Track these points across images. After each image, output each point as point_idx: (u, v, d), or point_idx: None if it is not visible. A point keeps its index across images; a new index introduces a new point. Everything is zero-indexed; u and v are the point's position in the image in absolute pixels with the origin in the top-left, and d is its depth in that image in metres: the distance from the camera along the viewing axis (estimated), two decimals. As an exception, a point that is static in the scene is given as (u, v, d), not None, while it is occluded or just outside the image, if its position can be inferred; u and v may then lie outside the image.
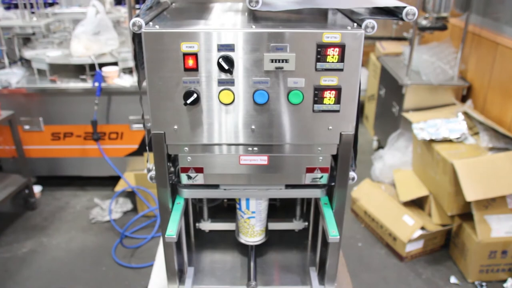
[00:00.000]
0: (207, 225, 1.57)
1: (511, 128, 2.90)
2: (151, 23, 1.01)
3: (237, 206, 1.37)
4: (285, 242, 1.55)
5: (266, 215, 1.42)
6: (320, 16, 1.16)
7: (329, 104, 1.04)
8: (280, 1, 1.04)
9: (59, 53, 3.42)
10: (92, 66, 3.30)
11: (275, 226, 1.55)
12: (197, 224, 1.56)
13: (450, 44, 3.52)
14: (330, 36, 0.98)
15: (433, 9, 3.31)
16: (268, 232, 1.47)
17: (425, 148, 2.97)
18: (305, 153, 1.13)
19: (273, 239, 1.52)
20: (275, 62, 1.00)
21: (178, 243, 1.31)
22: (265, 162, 1.14)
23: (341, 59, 1.00)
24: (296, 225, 1.57)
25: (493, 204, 2.56)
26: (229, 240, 1.55)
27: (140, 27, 0.97)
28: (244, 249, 1.49)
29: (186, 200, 1.27)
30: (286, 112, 1.06)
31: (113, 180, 3.47)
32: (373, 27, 0.98)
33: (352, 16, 1.10)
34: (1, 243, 3.02)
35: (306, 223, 1.56)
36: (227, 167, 1.15)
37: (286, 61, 1.00)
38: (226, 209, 1.64)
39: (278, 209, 1.64)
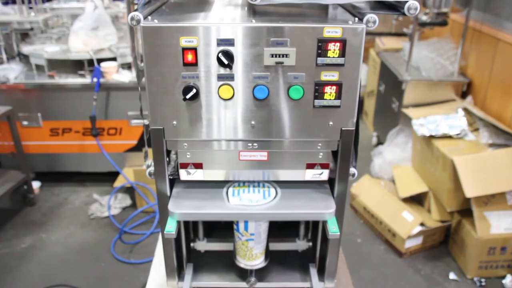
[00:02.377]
0: (202, 245, 1.45)
1: (511, 125, 2.89)
2: (149, 17, 1.00)
3: (235, 227, 1.27)
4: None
5: (266, 237, 1.31)
6: (320, 11, 1.15)
7: (330, 99, 1.03)
8: None
9: (57, 48, 3.40)
10: (90, 62, 3.29)
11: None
12: (192, 244, 1.45)
13: (450, 40, 3.50)
14: (331, 30, 0.97)
15: (434, 5, 3.30)
16: (269, 254, 1.36)
17: (425, 144, 2.97)
18: (305, 149, 1.12)
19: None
20: (275, 57, 0.99)
21: (177, 239, 1.30)
22: (265, 158, 1.13)
23: (342, 54, 0.99)
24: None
25: (493, 200, 2.55)
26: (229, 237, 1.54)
27: (138, 21, 0.96)
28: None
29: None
30: (286, 108, 1.05)
31: (112, 175, 3.47)
32: (374, 22, 0.97)
33: (353, 10, 1.09)
34: (0, 238, 3.02)
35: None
36: (227, 163, 1.14)
37: (287, 56, 0.99)
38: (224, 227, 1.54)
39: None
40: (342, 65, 1.00)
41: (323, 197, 1.18)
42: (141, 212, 3.19)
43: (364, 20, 0.97)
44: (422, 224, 2.82)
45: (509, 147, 2.66)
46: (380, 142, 4.08)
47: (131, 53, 3.30)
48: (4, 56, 3.48)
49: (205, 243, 1.45)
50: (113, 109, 3.35)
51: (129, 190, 3.43)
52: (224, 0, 1.29)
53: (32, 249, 2.93)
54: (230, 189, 1.20)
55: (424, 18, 3.39)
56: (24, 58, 3.55)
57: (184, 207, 1.14)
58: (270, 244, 1.39)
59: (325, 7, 1.17)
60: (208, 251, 1.47)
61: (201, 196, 1.18)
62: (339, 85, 1.02)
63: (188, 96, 1.01)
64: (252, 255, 1.30)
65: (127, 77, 3.24)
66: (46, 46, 3.43)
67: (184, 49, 0.98)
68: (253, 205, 1.14)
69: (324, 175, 1.16)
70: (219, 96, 1.03)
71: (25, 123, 3.38)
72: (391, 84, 3.74)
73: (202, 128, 1.08)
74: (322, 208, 1.14)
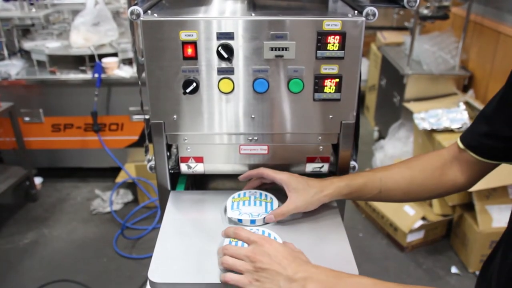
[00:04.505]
0: None
1: (513, 118, 2.88)
2: (149, 11, 1.00)
3: None
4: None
5: None
6: (320, 4, 1.15)
7: (330, 92, 1.04)
8: None
9: (59, 44, 3.40)
10: (91, 57, 3.28)
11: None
12: None
13: (451, 34, 3.49)
14: (330, 23, 0.97)
15: (435, -2, 3.29)
16: None
17: (426, 138, 2.96)
18: (306, 142, 1.12)
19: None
20: (275, 50, 0.99)
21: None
22: (265, 152, 1.13)
23: (342, 47, 0.98)
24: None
25: (494, 194, 2.55)
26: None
27: (138, 15, 0.96)
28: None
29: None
30: (286, 101, 1.05)
31: (114, 171, 3.47)
32: (374, 15, 0.97)
33: (353, 3, 1.09)
34: (2, 234, 3.03)
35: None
36: (227, 156, 1.14)
37: (286, 49, 0.99)
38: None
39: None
40: (342, 58, 1.00)
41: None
42: (143, 207, 3.19)
43: (364, 13, 0.97)
44: (423, 218, 2.82)
45: (511, 141, 2.65)
46: (381, 137, 4.08)
47: (132, 47, 3.30)
48: (5, 52, 3.48)
49: None
50: (114, 104, 3.35)
51: (131, 186, 3.44)
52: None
53: (34, 244, 2.94)
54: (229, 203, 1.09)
55: (425, 12, 3.38)
56: (26, 54, 3.55)
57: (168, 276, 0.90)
58: None
59: (325, 1, 1.17)
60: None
61: (191, 246, 0.98)
62: (339, 78, 1.02)
63: (188, 90, 1.02)
64: None
65: (128, 72, 3.24)
66: (47, 42, 3.43)
67: (184, 43, 0.98)
68: None
69: (325, 168, 1.17)
70: (219, 90, 1.03)
71: (26, 119, 3.39)
72: (392, 78, 3.73)
73: (202, 122, 1.08)
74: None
